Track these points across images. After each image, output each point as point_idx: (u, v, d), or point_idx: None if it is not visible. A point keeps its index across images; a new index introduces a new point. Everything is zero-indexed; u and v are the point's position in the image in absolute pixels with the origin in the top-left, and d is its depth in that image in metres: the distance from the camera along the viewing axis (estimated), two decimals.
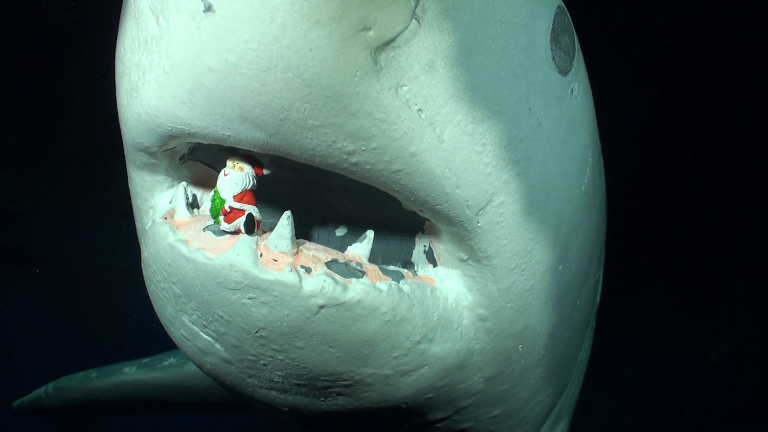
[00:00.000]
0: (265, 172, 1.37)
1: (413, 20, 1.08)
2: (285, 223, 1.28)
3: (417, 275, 1.45)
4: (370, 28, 1.03)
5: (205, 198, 1.61)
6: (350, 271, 1.32)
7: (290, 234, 1.29)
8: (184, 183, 1.51)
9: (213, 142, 1.24)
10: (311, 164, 1.21)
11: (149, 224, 1.47)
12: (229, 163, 1.33)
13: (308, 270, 1.28)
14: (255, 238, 1.30)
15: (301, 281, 1.25)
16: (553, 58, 1.34)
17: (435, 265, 1.48)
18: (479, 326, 1.47)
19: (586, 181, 1.59)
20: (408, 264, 1.52)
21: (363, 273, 1.33)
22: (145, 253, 1.47)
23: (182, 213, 1.44)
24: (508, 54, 1.23)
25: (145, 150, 1.42)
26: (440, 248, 1.45)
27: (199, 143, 1.33)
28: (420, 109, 1.14)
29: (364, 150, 1.15)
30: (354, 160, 1.16)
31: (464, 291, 1.44)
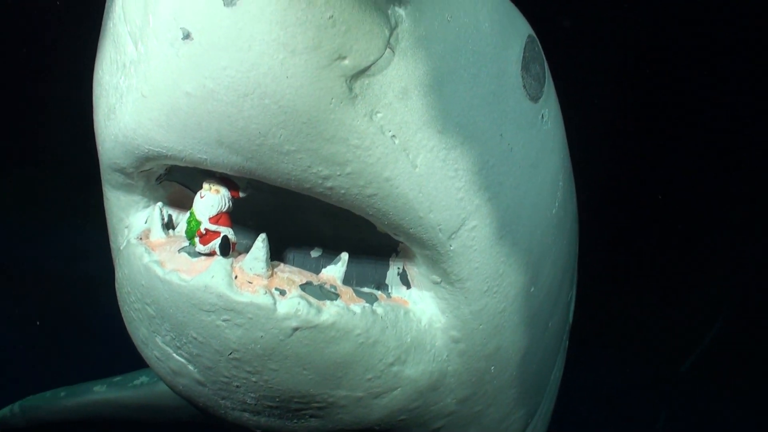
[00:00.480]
0: (241, 194, 1.38)
1: (387, 49, 1.10)
2: (260, 245, 1.29)
3: (391, 297, 1.46)
4: (345, 57, 1.05)
5: (181, 219, 1.62)
6: (324, 293, 1.33)
7: (265, 256, 1.30)
8: (159, 203, 1.51)
9: (189, 165, 1.25)
10: (287, 188, 1.22)
11: (124, 244, 1.47)
12: (205, 185, 1.34)
13: (282, 292, 1.29)
14: (230, 260, 1.31)
15: (275, 303, 1.26)
16: (524, 86, 1.38)
17: (409, 287, 1.50)
18: (452, 348, 1.49)
19: (557, 204, 1.62)
20: (382, 286, 1.54)
21: (337, 295, 1.35)
22: (119, 273, 1.47)
23: (157, 233, 1.45)
24: (480, 82, 1.26)
25: (122, 170, 1.42)
26: (414, 271, 1.47)
27: (175, 164, 1.33)
28: (394, 136, 1.16)
29: (339, 175, 1.17)
30: (329, 184, 1.18)
31: (437, 313, 1.46)
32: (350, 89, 1.08)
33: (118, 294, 1.52)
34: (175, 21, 1.01)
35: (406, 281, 1.51)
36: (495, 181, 1.33)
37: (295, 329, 1.27)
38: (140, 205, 1.59)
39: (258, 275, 1.30)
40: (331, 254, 1.59)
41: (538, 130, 1.47)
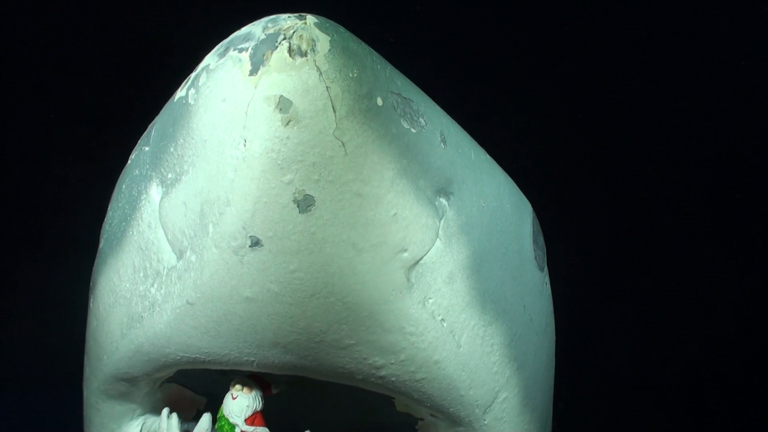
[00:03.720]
0: (274, 391, 1.33)
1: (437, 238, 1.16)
2: None
3: None
4: (406, 250, 1.09)
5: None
6: None
7: None
8: (166, 409, 1.42)
9: (229, 368, 1.20)
10: (334, 381, 1.20)
11: None
12: (236, 385, 1.29)
13: None
14: None
15: None
16: (535, 258, 1.48)
17: None
18: None
19: (553, 366, 1.68)
20: None
21: None
22: None
23: None
24: (507, 259, 1.34)
25: (130, 379, 1.34)
26: None
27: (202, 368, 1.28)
28: (443, 319, 1.19)
29: (392, 363, 1.17)
30: (382, 373, 1.18)
31: None
32: (408, 279, 1.12)
33: None
34: (245, 230, 1.01)
35: None
36: (521, 352, 1.38)
37: None
38: (136, 413, 1.49)
39: None
40: None
41: (545, 297, 1.56)
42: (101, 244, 1.43)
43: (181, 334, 1.16)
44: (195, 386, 1.59)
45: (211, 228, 1.05)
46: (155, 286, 1.20)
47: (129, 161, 1.39)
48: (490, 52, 3.17)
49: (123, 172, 1.44)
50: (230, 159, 1.00)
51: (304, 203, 0.99)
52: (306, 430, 1.49)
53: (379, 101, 1.01)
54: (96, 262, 1.46)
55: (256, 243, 1.02)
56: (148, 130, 1.34)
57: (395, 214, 1.06)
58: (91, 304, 1.41)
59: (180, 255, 1.13)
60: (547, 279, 1.60)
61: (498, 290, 1.30)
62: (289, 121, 0.96)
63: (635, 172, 3.35)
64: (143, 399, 1.45)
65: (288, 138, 0.96)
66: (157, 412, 1.51)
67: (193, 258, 1.10)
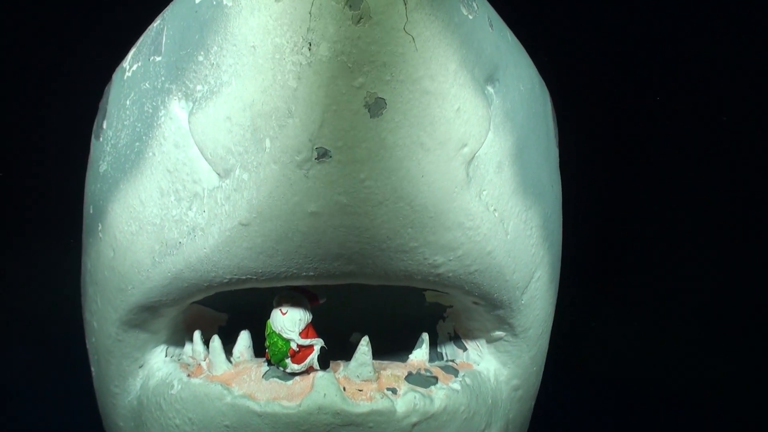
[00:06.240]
0: (321, 300, 1.30)
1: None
2: (365, 349, 1.24)
3: (458, 364, 1.46)
4: (466, 144, 1.04)
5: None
6: (426, 379, 1.31)
7: (371, 360, 1.24)
8: (198, 333, 1.37)
9: (282, 284, 1.16)
10: (392, 284, 1.18)
11: (176, 388, 1.30)
12: (284, 300, 1.25)
13: (394, 391, 1.24)
14: (331, 372, 1.23)
15: (394, 404, 1.21)
16: (555, 135, 1.47)
17: (464, 349, 1.51)
18: (513, 396, 1.52)
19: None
20: (438, 354, 1.54)
21: (435, 378, 1.32)
22: (177, 419, 1.29)
23: (223, 365, 1.30)
24: (540, 141, 1.32)
25: (159, 307, 1.27)
26: (470, 331, 1.48)
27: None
28: (495, 209, 1.18)
29: (450, 260, 1.15)
30: (440, 270, 1.16)
31: (499, 367, 1.48)
32: (467, 174, 1.08)
33: None
34: (311, 142, 0.94)
35: (460, 345, 1.52)
36: (551, 230, 1.39)
37: (414, 424, 1.23)
38: (160, 340, 1.42)
39: (366, 380, 1.24)
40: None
41: (559, 172, 1.56)
42: (103, 167, 1.30)
43: (232, 257, 1.09)
44: (211, 303, 1.53)
45: (268, 143, 0.97)
46: (193, 209, 1.11)
47: (128, 72, 1.24)
48: None
49: (117, 83, 1.29)
50: (291, 66, 0.91)
51: (376, 107, 0.93)
52: (341, 330, 1.50)
53: None
54: (96, 186, 1.33)
55: (323, 155, 0.95)
56: (151, 36, 1.19)
57: (458, 108, 1.01)
58: (100, 234, 1.30)
59: (225, 174, 1.05)
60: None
61: (535, 173, 1.29)
62: (360, 18, 0.87)
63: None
64: (167, 324, 1.39)
65: (359, 38, 0.88)
66: (179, 334, 1.47)
67: (245, 176, 1.02)
